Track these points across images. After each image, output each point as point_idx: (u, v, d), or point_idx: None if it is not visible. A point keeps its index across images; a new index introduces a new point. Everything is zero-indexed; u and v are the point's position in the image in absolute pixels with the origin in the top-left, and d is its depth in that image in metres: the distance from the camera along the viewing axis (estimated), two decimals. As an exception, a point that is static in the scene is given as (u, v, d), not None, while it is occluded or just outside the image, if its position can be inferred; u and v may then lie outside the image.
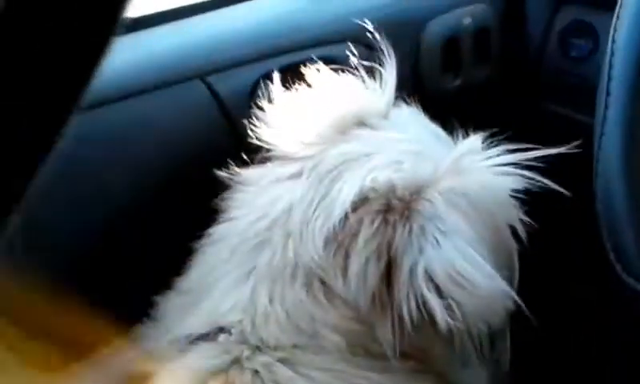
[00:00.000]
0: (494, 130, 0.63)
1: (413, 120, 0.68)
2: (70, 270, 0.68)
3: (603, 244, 0.64)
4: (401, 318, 0.56)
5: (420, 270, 0.55)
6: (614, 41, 0.66)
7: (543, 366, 0.99)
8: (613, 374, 0.97)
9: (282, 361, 0.56)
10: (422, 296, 0.55)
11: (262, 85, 0.81)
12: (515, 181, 0.60)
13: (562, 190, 0.59)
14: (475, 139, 0.63)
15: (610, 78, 0.64)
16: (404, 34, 0.96)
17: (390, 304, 0.57)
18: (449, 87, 1.00)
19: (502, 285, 0.57)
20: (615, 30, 0.66)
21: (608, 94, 0.63)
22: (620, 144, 0.62)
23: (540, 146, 0.61)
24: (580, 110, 0.92)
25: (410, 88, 0.96)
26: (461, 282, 0.55)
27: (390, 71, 0.67)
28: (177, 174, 0.79)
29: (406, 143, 0.63)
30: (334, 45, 0.87)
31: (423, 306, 0.55)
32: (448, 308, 0.55)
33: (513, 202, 0.61)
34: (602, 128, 0.64)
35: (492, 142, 0.63)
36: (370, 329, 0.58)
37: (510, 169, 0.60)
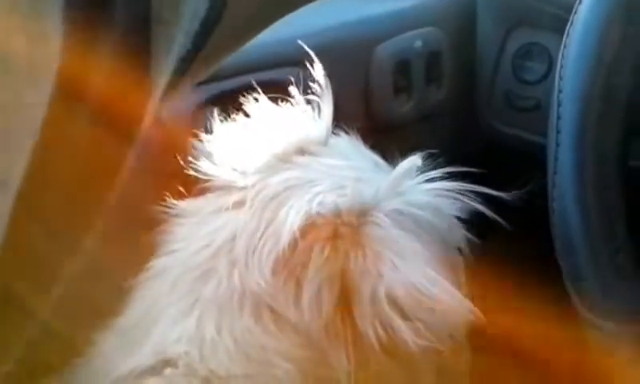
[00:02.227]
0: (436, 151, 0.64)
1: (351, 147, 0.70)
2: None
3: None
4: (359, 342, 0.57)
5: (382, 294, 0.56)
6: (563, 57, 0.68)
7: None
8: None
9: None
10: (388, 320, 0.56)
11: (204, 110, 0.82)
12: (455, 202, 0.61)
13: (498, 219, 0.61)
14: (412, 161, 0.64)
15: (559, 103, 0.64)
16: (353, 58, 0.98)
17: (346, 331, 0.57)
18: (401, 110, 1.01)
19: (462, 299, 0.58)
20: (565, 47, 0.67)
21: (559, 117, 0.64)
22: (574, 173, 0.63)
23: (485, 170, 0.63)
24: (535, 132, 0.93)
25: (362, 111, 0.97)
26: (425, 302, 0.56)
27: (327, 99, 0.69)
28: (124, 200, 0.77)
29: (347, 169, 0.64)
30: (277, 69, 0.89)
31: (389, 330, 0.56)
32: (414, 329, 0.55)
33: (454, 219, 0.63)
34: (556, 155, 0.64)
35: (430, 164, 0.64)
36: (321, 355, 0.58)
37: (448, 192, 0.61)
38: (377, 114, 0.99)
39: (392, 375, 0.60)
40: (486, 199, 0.61)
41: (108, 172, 0.32)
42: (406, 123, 1.02)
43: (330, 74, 0.88)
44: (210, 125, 0.70)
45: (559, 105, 0.65)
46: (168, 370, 0.56)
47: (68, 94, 0.28)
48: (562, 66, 0.66)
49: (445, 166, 0.63)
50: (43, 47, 0.26)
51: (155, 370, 0.57)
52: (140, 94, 0.32)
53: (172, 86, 0.35)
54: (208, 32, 0.39)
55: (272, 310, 0.58)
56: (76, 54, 0.27)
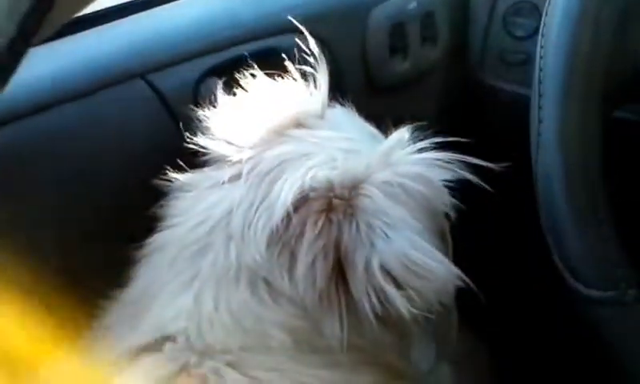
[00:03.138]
0: (425, 121, 0.65)
1: (347, 119, 0.71)
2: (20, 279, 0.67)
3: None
4: (354, 311, 0.59)
5: (375, 265, 0.57)
6: (546, 14, 0.68)
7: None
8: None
9: (229, 364, 0.57)
10: (382, 290, 0.57)
11: (205, 81, 0.83)
12: (444, 172, 0.63)
13: (486, 186, 0.62)
14: (402, 132, 0.65)
15: (541, 56, 0.66)
16: (349, 22, 0.98)
17: (340, 300, 0.59)
18: (398, 70, 1.03)
19: (452, 267, 0.60)
20: (549, 3, 0.68)
21: (540, 69, 0.66)
22: (557, 133, 0.65)
23: (475, 135, 0.64)
24: (527, 85, 0.94)
25: (360, 74, 0.99)
26: (417, 271, 0.58)
27: (322, 71, 0.70)
28: (125, 175, 0.80)
29: (340, 141, 0.65)
30: (273, 37, 0.89)
31: (383, 299, 0.58)
32: (407, 297, 0.57)
33: (443, 188, 0.63)
34: (539, 125, 0.66)
35: (420, 134, 0.65)
36: (316, 325, 0.60)
37: (438, 162, 0.62)
38: (374, 76, 1.00)
39: (384, 341, 0.62)
40: (475, 167, 0.63)
41: None
42: (403, 83, 1.04)
43: (326, 38, 0.90)
44: (208, 98, 0.72)
45: (541, 57, 0.66)
46: (167, 346, 0.59)
47: None
48: (544, 24, 0.67)
49: (436, 130, 0.65)
50: None
51: (155, 345, 0.59)
52: None
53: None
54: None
55: (267, 283, 0.60)
56: None
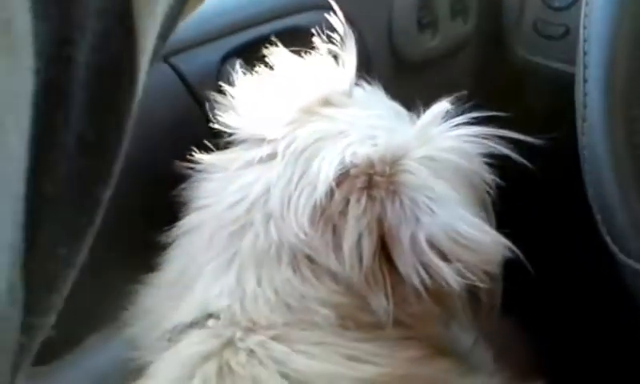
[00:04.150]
0: (463, 92, 0.65)
1: (374, 98, 0.72)
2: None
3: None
4: (399, 286, 0.59)
5: (422, 239, 0.58)
6: None
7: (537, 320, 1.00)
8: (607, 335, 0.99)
9: (275, 338, 0.58)
10: (430, 264, 0.58)
11: (228, 62, 0.82)
12: (482, 146, 0.63)
13: (524, 162, 0.62)
14: (438, 107, 0.65)
15: (585, 39, 0.64)
16: None
17: (385, 277, 0.59)
18: (427, 45, 1.01)
19: (498, 237, 0.60)
20: None
21: (585, 53, 0.63)
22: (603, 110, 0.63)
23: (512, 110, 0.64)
24: (565, 61, 0.92)
25: (387, 49, 0.96)
26: (464, 243, 0.58)
27: (350, 49, 0.70)
28: (149, 158, 0.78)
29: (374, 119, 0.66)
30: (295, 15, 0.88)
31: (432, 273, 0.58)
32: (456, 270, 0.58)
33: (482, 163, 0.64)
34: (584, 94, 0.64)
35: (456, 109, 0.65)
36: (359, 300, 0.60)
37: (476, 136, 0.63)
38: (402, 53, 0.99)
39: (428, 315, 0.62)
40: (513, 142, 0.62)
41: (105, 154, 0.33)
42: (432, 60, 1.02)
43: (353, 13, 0.88)
44: (234, 78, 0.72)
45: (585, 27, 0.65)
46: (211, 322, 0.60)
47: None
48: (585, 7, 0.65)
49: (472, 103, 0.64)
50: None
51: (199, 323, 0.60)
52: (126, 67, 0.33)
53: (157, 50, 0.36)
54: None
55: (310, 260, 0.60)
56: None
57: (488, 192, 0.66)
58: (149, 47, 0.35)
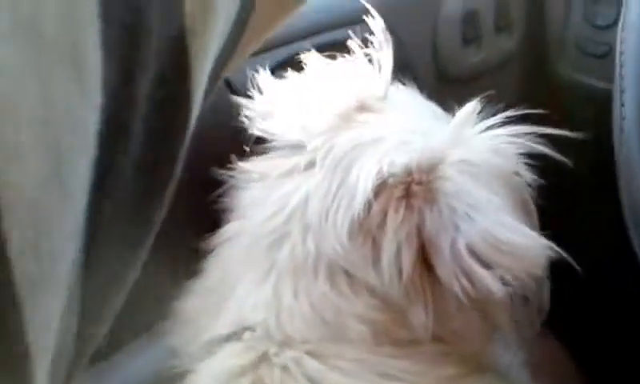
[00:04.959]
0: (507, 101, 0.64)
1: (410, 100, 0.71)
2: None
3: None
4: (439, 298, 0.58)
5: (461, 247, 0.57)
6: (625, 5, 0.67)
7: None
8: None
9: (310, 354, 0.58)
10: (471, 271, 0.57)
11: (275, 74, 0.81)
12: (518, 145, 0.62)
13: (563, 159, 0.61)
14: (470, 108, 0.64)
15: (621, 64, 0.64)
16: (421, 10, 0.97)
17: (425, 288, 0.59)
18: (471, 60, 1.01)
19: (540, 239, 0.59)
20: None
21: (622, 65, 0.64)
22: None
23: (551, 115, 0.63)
24: (608, 80, 0.91)
25: (431, 64, 0.97)
26: (505, 249, 0.57)
27: (386, 53, 0.69)
28: (199, 172, 0.80)
29: (409, 123, 0.65)
30: (337, 30, 0.89)
31: (473, 281, 0.57)
32: (498, 277, 0.56)
33: (520, 162, 0.63)
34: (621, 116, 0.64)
35: (488, 109, 0.65)
36: (397, 315, 0.59)
37: (511, 136, 0.62)
38: (446, 67, 1.00)
39: (467, 329, 0.61)
40: (552, 142, 0.62)
41: (160, 179, 0.36)
42: (475, 74, 1.02)
43: (397, 27, 0.89)
44: (265, 86, 0.72)
45: (622, 53, 0.65)
46: (246, 335, 0.60)
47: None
48: (623, 18, 0.65)
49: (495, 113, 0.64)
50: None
51: (235, 336, 0.60)
52: (181, 102, 0.36)
53: (209, 88, 0.39)
54: (239, 33, 0.41)
55: (348, 274, 0.60)
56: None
57: (529, 192, 0.65)
58: (203, 84, 0.37)
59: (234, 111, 0.78)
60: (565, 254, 0.59)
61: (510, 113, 0.63)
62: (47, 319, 0.28)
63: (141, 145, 0.33)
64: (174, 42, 0.34)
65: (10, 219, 0.25)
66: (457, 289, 0.57)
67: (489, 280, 0.56)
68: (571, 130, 0.62)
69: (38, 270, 0.27)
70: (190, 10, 0.34)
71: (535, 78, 1.06)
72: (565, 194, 0.70)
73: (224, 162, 0.69)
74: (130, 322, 0.71)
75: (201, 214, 0.67)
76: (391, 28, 0.75)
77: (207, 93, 0.39)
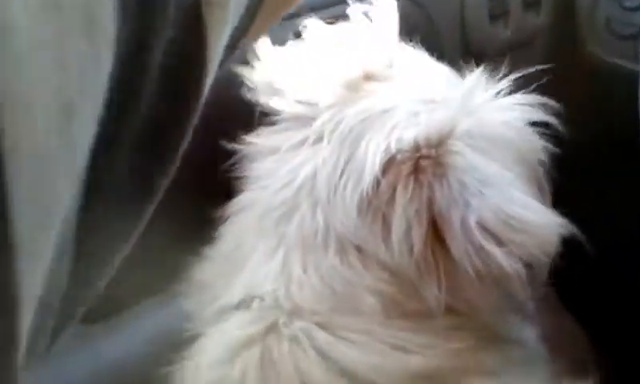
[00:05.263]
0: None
1: (419, 64, 0.69)
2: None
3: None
4: (451, 272, 0.58)
5: (472, 223, 0.56)
6: None
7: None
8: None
9: (319, 325, 0.58)
10: (481, 248, 0.56)
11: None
12: (529, 114, 0.62)
13: (563, 130, 0.61)
14: (478, 74, 0.64)
15: None
16: None
17: (437, 263, 0.58)
18: (498, 37, 1.00)
19: (553, 216, 0.59)
20: None
21: None
22: None
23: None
24: (635, 61, 0.91)
25: (458, 40, 0.97)
26: (517, 226, 0.56)
27: (391, 18, 0.68)
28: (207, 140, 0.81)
29: (418, 92, 0.64)
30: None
31: (484, 257, 0.56)
32: (508, 252, 0.56)
33: (532, 132, 0.63)
34: None
35: (495, 73, 0.64)
36: (408, 288, 0.59)
37: (522, 105, 0.62)
38: (472, 42, 0.99)
39: (486, 298, 0.61)
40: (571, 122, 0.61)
41: (168, 146, 0.36)
42: (502, 51, 1.01)
43: (425, 2, 0.89)
44: (266, 56, 0.71)
45: None
46: (255, 304, 0.60)
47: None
48: None
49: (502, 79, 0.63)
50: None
51: (244, 305, 0.61)
52: (195, 71, 0.36)
53: (225, 58, 0.39)
54: (258, 5, 0.42)
55: (358, 248, 0.60)
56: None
57: (542, 166, 0.64)
58: (218, 54, 0.37)
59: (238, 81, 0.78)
60: (578, 234, 0.58)
61: (515, 75, 0.63)
62: (39, 269, 0.28)
63: (150, 110, 0.33)
64: (191, 10, 0.34)
65: (15, 166, 0.25)
66: (468, 265, 0.57)
67: (500, 257, 0.56)
68: (596, 110, 0.62)
69: (36, 220, 0.27)
70: None
71: (562, 57, 1.05)
72: (581, 172, 0.69)
73: (231, 132, 0.69)
74: (141, 282, 0.72)
75: (213, 181, 0.68)
76: (419, 3, 0.75)
77: (222, 63, 0.39)
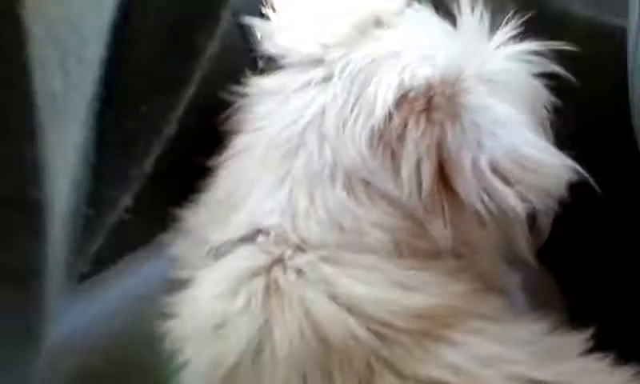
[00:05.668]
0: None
1: (426, 17, 0.70)
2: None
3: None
4: (458, 212, 0.59)
5: (484, 163, 0.57)
6: None
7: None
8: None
9: (325, 259, 0.57)
10: (492, 188, 0.57)
11: None
12: (536, 65, 0.63)
13: (572, 79, 0.61)
14: (480, 20, 0.65)
15: None
16: None
17: (443, 202, 0.59)
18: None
19: (564, 158, 0.59)
20: None
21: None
22: None
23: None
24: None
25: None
26: (529, 166, 0.57)
27: None
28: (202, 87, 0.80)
29: (428, 39, 0.65)
30: None
31: (495, 197, 0.57)
32: (518, 193, 0.57)
33: (538, 82, 0.64)
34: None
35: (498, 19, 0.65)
36: (415, 226, 0.59)
37: (530, 54, 0.63)
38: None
39: (489, 242, 0.62)
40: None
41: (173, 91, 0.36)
42: None
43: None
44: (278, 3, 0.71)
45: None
46: (260, 238, 0.59)
47: None
48: None
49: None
50: None
51: (249, 238, 0.60)
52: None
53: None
54: None
55: (366, 183, 0.59)
56: None
57: (546, 109, 0.66)
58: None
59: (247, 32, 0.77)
60: (588, 176, 0.59)
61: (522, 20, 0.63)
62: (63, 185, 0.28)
63: (154, 58, 0.33)
64: None
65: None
66: (478, 205, 0.57)
67: (511, 197, 0.56)
68: (589, 70, 0.62)
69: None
70: None
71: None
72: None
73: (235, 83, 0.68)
74: (131, 232, 0.72)
75: (210, 134, 0.67)
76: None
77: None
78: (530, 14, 0.63)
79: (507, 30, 0.64)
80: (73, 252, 0.32)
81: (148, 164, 0.37)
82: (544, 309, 0.64)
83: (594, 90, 0.64)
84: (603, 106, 0.72)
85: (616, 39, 0.70)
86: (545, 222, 0.64)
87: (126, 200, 0.36)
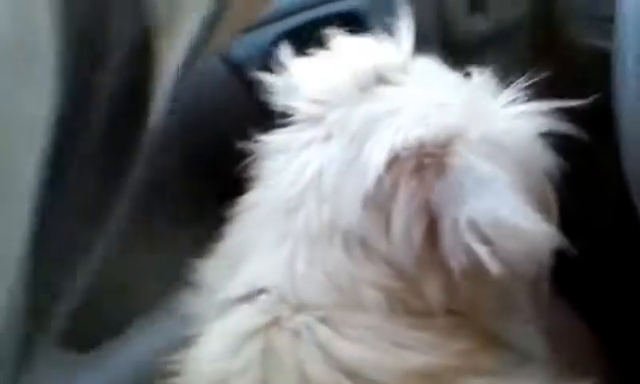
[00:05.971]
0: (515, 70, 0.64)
1: (431, 71, 0.71)
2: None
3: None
4: (448, 272, 0.59)
5: (463, 222, 0.57)
6: None
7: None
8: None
9: (321, 320, 0.59)
10: (468, 247, 0.57)
11: (276, 46, 0.81)
12: (537, 124, 0.63)
13: (583, 135, 0.61)
14: (487, 79, 0.66)
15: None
16: None
17: (435, 260, 0.59)
18: (479, 29, 0.99)
19: (544, 226, 0.59)
20: None
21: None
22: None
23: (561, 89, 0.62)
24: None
25: (437, 34, 0.96)
26: (505, 229, 0.57)
27: (407, 22, 0.70)
28: (199, 147, 0.79)
29: (428, 96, 0.65)
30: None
31: (471, 256, 0.57)
32: (495, 254, 0.56)
33: (540, 143, 0.63)
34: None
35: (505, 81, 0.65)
36: (411, 285, 0.60)
37: (532, 113, 0.63)
38: (452, 33, 0.99)
39: (479, 302, 0.62)
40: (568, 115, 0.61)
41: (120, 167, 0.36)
42: (482, 43, 1.01)
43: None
44: (285, 60, 0.72)
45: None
46: (262, 297, 0.61)
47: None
48: None
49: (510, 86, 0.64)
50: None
51: (248, 297, 0.61)
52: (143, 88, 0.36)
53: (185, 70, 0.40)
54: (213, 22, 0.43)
55: (363, 243, 0.61)
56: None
57: (548, 180, 0.65)
58: (170, 70, 0.38)
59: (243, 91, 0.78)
60: (571, 247, 0.59)
61: (525, 84, 0.63)
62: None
63: (101, 130, 0.34)
64: (138, 40, 0.35)
65: None
66: (454, 262, 0.57)
67: (485, 256, 0.56)
68: (584, 97, 0.61)
69: None
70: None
71: (546, 46, 1.04)
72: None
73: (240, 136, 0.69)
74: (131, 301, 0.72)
75: (223, 184, 0.68)
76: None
77: (184, 75, 0.40)
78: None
79: (517, 87, 0.64)
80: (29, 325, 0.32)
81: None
82: (570, 358, 0.64)
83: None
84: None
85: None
86: (541, 275, 0.63)
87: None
